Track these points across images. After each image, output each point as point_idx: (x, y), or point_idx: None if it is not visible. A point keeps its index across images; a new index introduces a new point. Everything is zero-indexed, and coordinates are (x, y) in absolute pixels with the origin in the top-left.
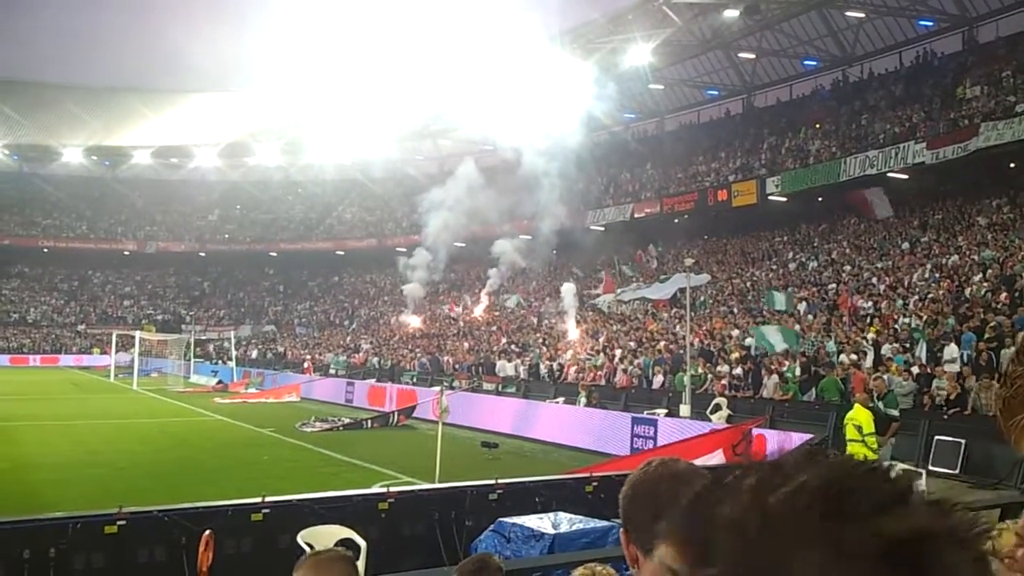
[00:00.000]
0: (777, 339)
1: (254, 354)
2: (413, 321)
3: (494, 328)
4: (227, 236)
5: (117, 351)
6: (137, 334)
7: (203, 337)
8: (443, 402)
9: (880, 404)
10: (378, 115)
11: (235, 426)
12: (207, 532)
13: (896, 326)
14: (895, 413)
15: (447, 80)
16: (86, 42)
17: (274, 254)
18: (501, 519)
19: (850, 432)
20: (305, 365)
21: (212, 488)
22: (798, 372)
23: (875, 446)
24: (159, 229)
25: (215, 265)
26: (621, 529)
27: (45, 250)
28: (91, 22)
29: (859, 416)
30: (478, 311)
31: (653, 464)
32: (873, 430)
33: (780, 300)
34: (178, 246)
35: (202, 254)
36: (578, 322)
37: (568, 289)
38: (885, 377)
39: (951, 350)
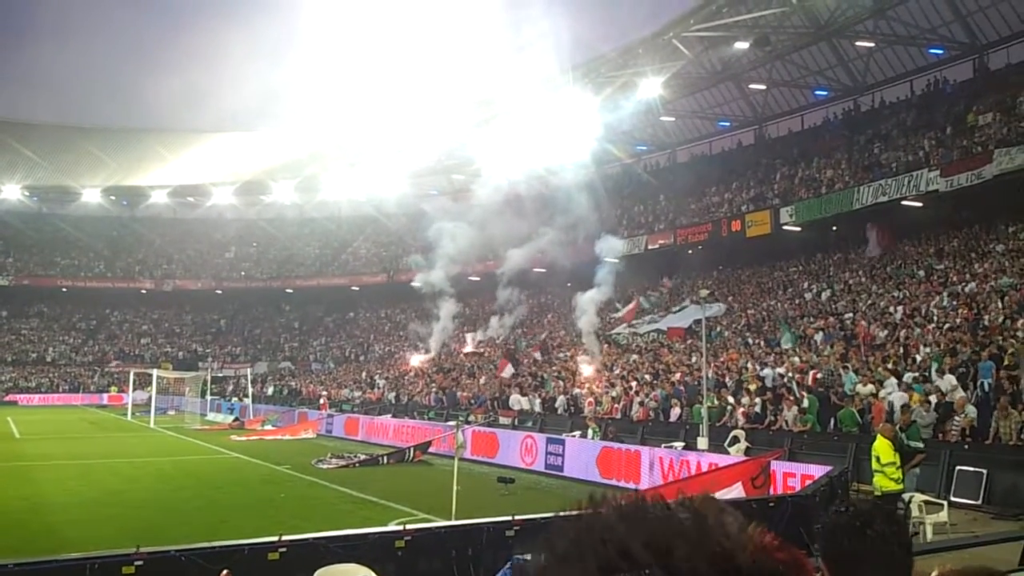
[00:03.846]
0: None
1: (270, 391)
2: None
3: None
4: (243, 273)
5: (134, 389)
6: (154, 372)
7: (220, 374)
8: (459, 438)
9: (903, 436)
10: (392, 152)
11: (252, 463)
12: (224, 572)
13: (917, 356)
14: (919, 445)
15: (460, 116)
16: (104, 85)
17: (290, 291)
18: (518, 556)
19: (873, 463)
20: (321, 401)
21: (229, 527)
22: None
23: (896, 476)
24: (176, 267)
25: (231, 302)
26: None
27: (64, 289)
28: (110, 67)
29: (879, 447)
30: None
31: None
32: (892, 460)
33: (787, 339)
34: (195, 284)
35: (219, 292)
36: (594, 354)
37: (584, 321)
38: (913, 409)
39: (946, 381)
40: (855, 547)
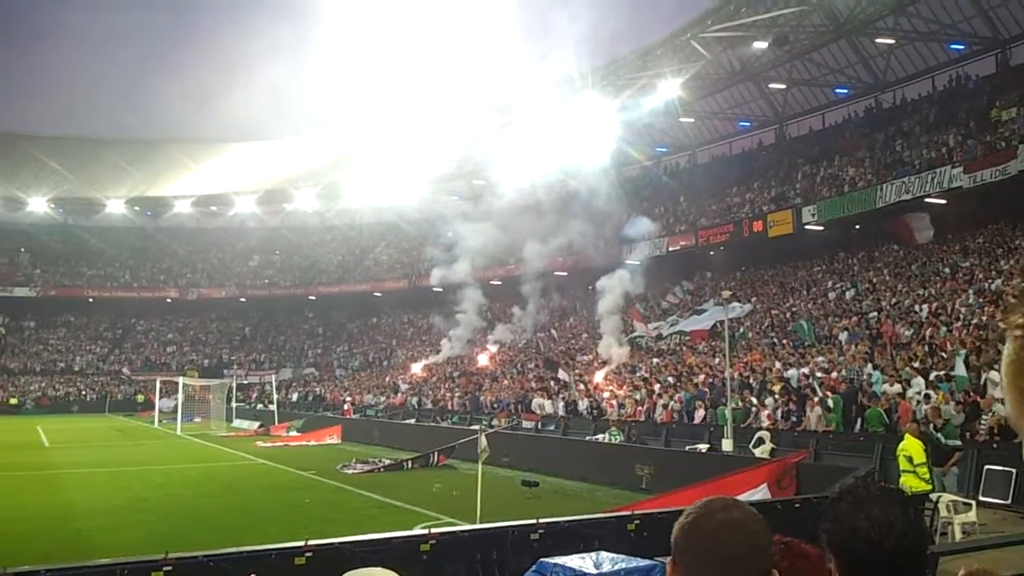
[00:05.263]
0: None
1: (295, 397)
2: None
3: (531, 365)
4: (267, 281)
5: (161, 397)
6: (180, 380)
7: (245, 381)
8: (482, 442)
9: (940, 435)
10: (412, 159)
11: (277, 469)
12: None
13: (943, 354)
14: (957, 443)
15: (479, 122)
16: (120, 94)
17: (313, 297)
18: (543, 559)
19: (902, 463)
20: (345, 407)
21: (256, 532)
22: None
23: (927, 476)
24: (200, 276)
25: (256, 310)
26: (670, 560)
27: (90, 300)
28: (125, 76)
29: (909, 447)
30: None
31: (716, 505)
32: (924, 460)
33: (805, 329)
34: (219, 292)
35: (243, 299)
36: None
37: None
38: (942, 407)
39: (995, 375)
40: (871, 557)
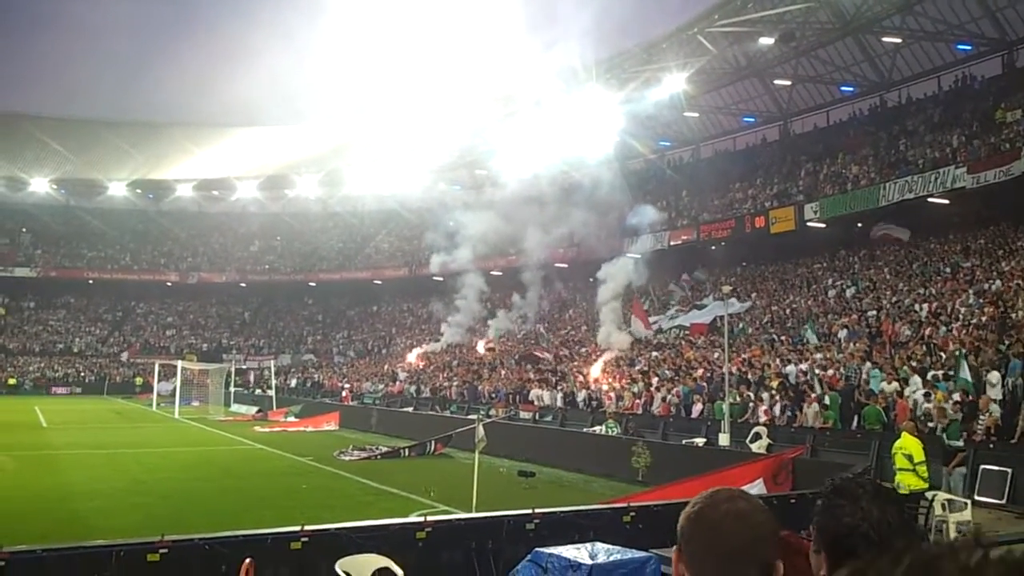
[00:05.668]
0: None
1: (293, 383)
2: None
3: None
4: (267, 267)
5: (159, 380)
6: (179, 363)
7: (243, 366)
8: (479, 431)
9: (944, 436)
10: (415, 147)
11: (275, 455)
12: (247, 560)
13: (941, 353)
14: (959, 444)
15: (483, 111)
16: (135, 83)
17: (313, 284)
18: (538, 549)
19: (899, 461)
20: (343, 394)
21: (252, 516)
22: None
23: (926, 475)
24: (201, 260)
25: (256, 295)
26: (675, 548)
27: (90, 281)
28: (127, 59)
29: (908, 445)
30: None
31: (722, 496)
32: (924, 459)
33: (809, 334)
34: (219, 277)
35: (243, 285)
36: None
37: (606, 312)
38: (945, 406)
39: (993, 377)
40: (862, 553)
